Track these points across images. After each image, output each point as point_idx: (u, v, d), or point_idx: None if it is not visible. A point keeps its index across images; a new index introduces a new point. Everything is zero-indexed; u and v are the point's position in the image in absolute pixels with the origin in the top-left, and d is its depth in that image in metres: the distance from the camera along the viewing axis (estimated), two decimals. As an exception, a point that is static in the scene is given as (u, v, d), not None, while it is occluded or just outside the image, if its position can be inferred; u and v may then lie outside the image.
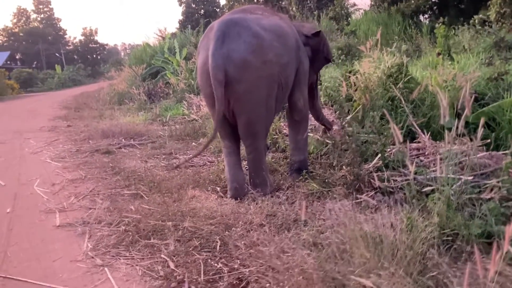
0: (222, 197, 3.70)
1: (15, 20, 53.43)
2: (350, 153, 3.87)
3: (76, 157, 5.90)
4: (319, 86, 6.42)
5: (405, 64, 5.51)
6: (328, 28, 14.99)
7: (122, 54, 70.32)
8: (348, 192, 3.56)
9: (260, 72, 3.38)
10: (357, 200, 3.38)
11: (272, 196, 3.61)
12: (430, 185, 3.09)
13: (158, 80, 14.99)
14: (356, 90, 5.48)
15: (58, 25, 55.11)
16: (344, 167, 3.86)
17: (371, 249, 2.25)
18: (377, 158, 3.69)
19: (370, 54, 5.45)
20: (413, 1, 17.37)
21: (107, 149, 6.15)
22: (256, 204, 3.41)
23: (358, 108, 5.22)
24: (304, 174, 3.99)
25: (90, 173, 4.90)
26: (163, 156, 5.63)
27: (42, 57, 50.37)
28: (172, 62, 14.77)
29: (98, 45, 55.97)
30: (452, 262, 2.20)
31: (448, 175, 2.86)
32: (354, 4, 19.70)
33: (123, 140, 6.91)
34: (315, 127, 5.48)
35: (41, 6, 54.33)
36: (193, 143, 6.34)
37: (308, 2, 20.78)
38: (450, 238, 2.46)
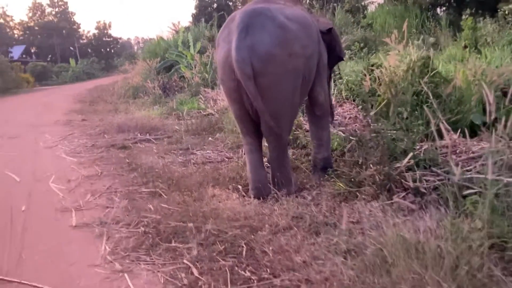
0: (244, 196, 3.51)
1: (30, 14, 53.67)
2: (379, 151, 3.66)
3: (92, 152, 5.75)
4: (340, 80, 6.21)
5: (431, 58, 5.27)
6: (343, 21, 14.65)
7: (135, 48, 70.33)
8: (377, 192, 3.35)
9: (285, 65, 3.18)
10: (389, 202, 3.17)
11: (296, 196, 3.41)
12: (469, 187, 2.87)
13: (173, 74, 14.81)
14: (380, 84, 5.25)
15: (72, 19, 55.17)
16: (371, 165, 3.66)
17: (413, 258, 2.05)
18: (408, 157, 3.46)
19: (395, 46, 5.21)
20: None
21: (123, 144, 6.00)
22: (281, 205, 3.22)
23: (382, 103, 4.99)
24: (330, 172, 3.78)
25: (106, 169, 4.75)
26: (180, 152, 5.45)
27: (57, 51, 50.53)
28: (186, 56, 14.59)
29: (111, 38, 55.97)
30: (505, 274, 1.99)
31: (493, 177, 2.64)
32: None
33: (139, 134, 6.75)
34: (338, 122, 5.26)
35: (55, 0, 54.46)
36: (210, 138, 6.15)
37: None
38: (497, 246, 2.25)
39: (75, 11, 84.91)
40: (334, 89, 6.09)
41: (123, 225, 3.08)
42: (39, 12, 53.90)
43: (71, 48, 52.14)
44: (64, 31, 52.25)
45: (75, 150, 5.96)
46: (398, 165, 3.53)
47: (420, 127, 4.05)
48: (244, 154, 4.02)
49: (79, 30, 56.17)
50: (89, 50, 53.63)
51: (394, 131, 4.04)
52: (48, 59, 48.88)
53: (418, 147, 3.95)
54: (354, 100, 5.68)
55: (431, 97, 4.41)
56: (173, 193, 3.66)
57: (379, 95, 5.25)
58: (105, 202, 3.67)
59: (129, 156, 5.29)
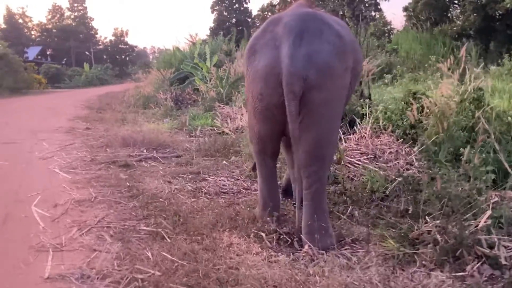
0: (271, 248, 2.73)
1: (49, 17, 53.72)
2: (437, 200, 2.91)
3: (89, 169, 5.01)
4: (376, 107, 5.46)
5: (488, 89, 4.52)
6: (366, 44, 13.96)
7: (151, 57, 70.31)
8: (441, 258, 2.58)
9: (341, 80, 2.72)
10: (459, 274, 2.42)
11: (337, 256, 2.63)
12: None
13: (186, 86, 14.22)
14: (428, 115, 4.49)
15: (90, 24, 55.14)
16: (427, 218, 2.91)
17: None
18: (486, 214, 2.67)
19: (448, 74, 4.47)
20: (458, 23, 16.34)
21: (126, 161, 5.24)
22: (318, 267, 2.44)
23: (432, 138, 4.22)
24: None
25: (102, 193, 3.99)
26: (190, 176, 4.69)
27: (72, 54, 50.37)
28: (202, 68, 14.01)
29: (127, 46, 55.86)
30: None
31: None
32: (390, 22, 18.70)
33: (145, 151, 6.01)
34: (375, 156, 4.49)
35: (75, 5, 54.47)
36: (224, 162, 5.40)
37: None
38: None
39: (93, 17, 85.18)
40: (368, 117, 5.33)
41: (111, 282, 2.30)
42: (58, 15, 53.96)
43: (87, 52, 51.95)
44: (81, 36, 52.23)
45: (71, 165, 5.22)
46: (469, 223, 2.75)
47: (488, 174, 3.27)
48: (259, 177, 3.27)
49: (96, 35, 56.12)
50: (104, 56, 53.48)
51: (455, 177, 3.26)
52: (63, 62, 48.66)
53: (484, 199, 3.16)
54: (393, 131, 4.91)
55: (492, 135, 3.68)
56: (179, 236, 2.90)
57: (425, 129, 4.49)
58: (93, 241, 2.89)
59: (131, 178, 4.54)
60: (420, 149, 4.28)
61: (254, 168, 4.01)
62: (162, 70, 15.38)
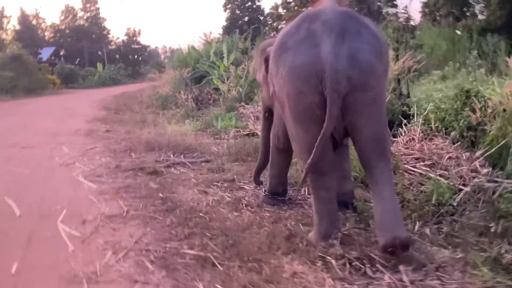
0: (343, 280, 2.29)
1: (62, 17, 53.64)
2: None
3: (116, 177, 4.61)
4: (425, 106, 4.99)
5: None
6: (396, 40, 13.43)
7: (162, 56, 70.11)
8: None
9: (382, 80, 2.66)
10: None
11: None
12: None
13: (204, 85, 13.82)
14: (491, 116, 4.02)
15: (102, 25, 54.90)
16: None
17: None
18: None
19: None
20: (482, 17, 15.74)
21: (154, 167, 4.83)
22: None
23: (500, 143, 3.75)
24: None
25: (134, 206, 3.57)
26: (225, 185, 4.27)
27: (85, 55, 50.14)
28: (219, 67, 13.60)
29: (140, 46, 55.54)
30: None
31: None
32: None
33: (172, 155, 5.60)
34: (432, 163, 4.02)
35: (88, 5, 54.28)
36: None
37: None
38: None
39: (106, 17, 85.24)
40: (416, 118, 4.86)
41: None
42: (71, 16, 53.83)
43: (99, 53, 51.76)
44: (94, 36, 52.05)
45: (95, 172, 4.82)
46: None
47: None
48: (315, 200, 2.83)
49: (109, 35, 55.97)
50: (117, 56, 53.22)
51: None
52: (76, 62, 48.48)
53: None
54: (447, 134, 4.44)
55: None
56: (232, 263, 2.47)
57: (488, 131, 4.02)
58: (132, 269, 2.46)
59: (163, 188, 4.12)
60: (484, 155, 3.82)
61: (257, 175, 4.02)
62: (179, 70, 14.96)
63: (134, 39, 55.26)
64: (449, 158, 4.04)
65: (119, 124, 9.05)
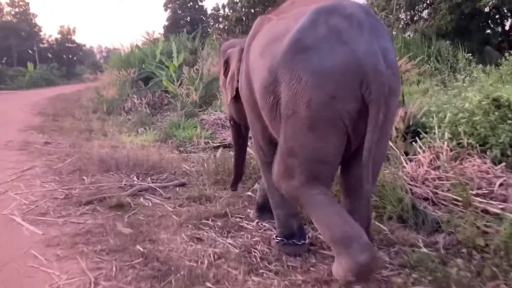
0: None
1: (-13, 13, 49.27)
2: None
3: (67, 215, 3.38)
4: (448, 116, 4.19)
5: None
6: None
7: (98, 56, 66.84)
8: None
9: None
10: None
11: None
12: None
13: (151, 87, 12.60)
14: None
15: (33, 21, 50.93)
16: None
17: None
18: None
19: None
20: (433, 21, 15.65)
21: (118, 199, 3.64)
22: None
23: None
24: None
25: (104, 273, 2.41)
26: (219, 223, 3.20)
27: (14, 53, 46.25)
28: (168, 68, 12.44)
29: (75, 45, 52.16)
30: None
31: None
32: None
33: (135, 178, 4.44)
34: (483, 193, 3.18)
35: (16, 0, 50.32)
36: (248, 193, 3.94)
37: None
38: None
39: (37, 13, 79.89)
40: (436, 130, 4.05)
41: None
42: (-4, 11, 49.60)
43: (30, 51, 48.05)
44: (23, 33, 48.10)
45: (38, 208, 3.56)
46: None
47: None
48: (318, 212, 2.27)
49: (40, 33, 52.08)
50: (50, 55, 49.67)
51: None
52: (3, 61, 44.59)
53: None
54: (484, 151, 3.64)
55: None
56: None
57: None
58: None
59: (137, 233, 2.97)
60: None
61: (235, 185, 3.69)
62: (122, 70, 13.54)
63: (69, 37, 51.84)
64: (501, 185, 3.23)
65: (60, 134, 7.59)
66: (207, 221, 3.23)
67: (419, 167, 3.76)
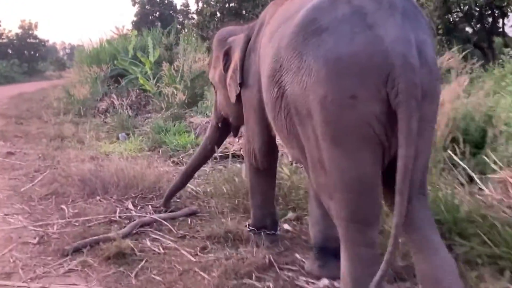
0: None
1: None
2: None
3: (45, 275, 2.31)
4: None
5: None
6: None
7: (61, 53, 63.97)
8: None
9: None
10: None
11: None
12: None
13: (125, 85, 11.53)
14: None
15: (-9, 16, 48.22)
16: None
17: None
18: None
19: None
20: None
21: (117, 246, 2.57)
22: None
23: None
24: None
25: None
26: (268, 281, 2.23)
27: (-30, 49, 43.41)
28: (144, 64, 11.33)
29: (37, 40, 49.41)
30: None
31: None
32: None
33: (131, 205, 3.38)
34: None
35: (-28, -6, 47.32)
36: (285, 225, 3.00)
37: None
38: None
39: (-6, 8, 75.88)
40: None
41: None
42: (-49, 5, 46.40)
43: (-13, 47, 45.19)
44: (-20, 28, 45.29)
45: (1, 260, 2.47)
46: None
47: None
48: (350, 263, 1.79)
49: (-1, 28, 49.14)
50: (10, 51, 46.87)
51: None
52: (-42, 57, 41.66)
53: None
54: None
55: None
56: None
57: None
58: None
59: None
60: None
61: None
62: (93, 67, 12.27)
63: (30, 32, 49.06)
64: None
65: (26, 141, 6.35)
66: (250, 280, 2.24)
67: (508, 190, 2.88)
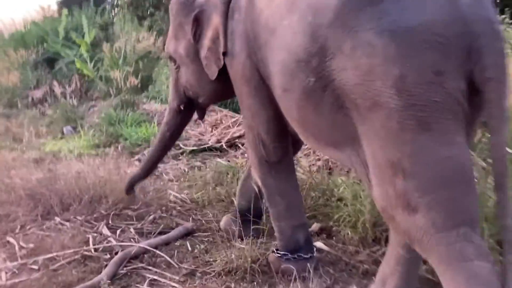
0: None
1: None
2: None
3: None
4: None
5: None
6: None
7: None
8: None
9: None
10: None
11: None
12: None
13: (59, 71, 10.39)
14: None
15: None
16: None
17: None
18: None
19: None
20: None
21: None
22: None
23: None
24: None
25: None
26: None
27: None
28: (79, 46, 10.22)
29: None
30: None
31: None
32: None
33: (106, 229, 2.53)
34: None
35: None
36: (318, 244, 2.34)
37: None
38: None
39: None
40: None
41: None
42: None
43: None
44: None
45: None
46: None
47: None
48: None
49: None
50: None
51: None
52: None
53: None
54: None
55: None
56: None
57: None
58: None
59: None
60: None
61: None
62: (22, 51, 10.90)
63: None
64: None
65: None
66: None
67: None
